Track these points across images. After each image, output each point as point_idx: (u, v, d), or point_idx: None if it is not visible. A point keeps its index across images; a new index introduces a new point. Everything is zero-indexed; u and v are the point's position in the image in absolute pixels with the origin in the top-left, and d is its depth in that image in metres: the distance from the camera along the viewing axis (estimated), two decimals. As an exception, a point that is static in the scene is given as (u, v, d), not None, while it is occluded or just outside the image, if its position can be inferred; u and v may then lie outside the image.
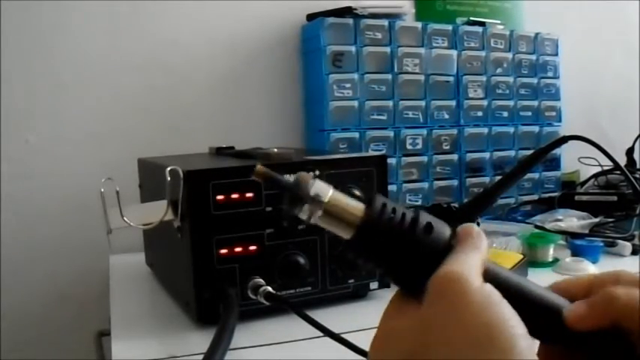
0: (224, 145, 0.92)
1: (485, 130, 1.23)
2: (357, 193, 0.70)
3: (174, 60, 1.13)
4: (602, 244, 0.90)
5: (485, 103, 1.23)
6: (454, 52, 1.19)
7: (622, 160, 1.24)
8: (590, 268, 0.83)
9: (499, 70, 1.25)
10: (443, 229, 0.32)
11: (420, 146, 1.17)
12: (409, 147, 1.16)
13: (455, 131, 1.20)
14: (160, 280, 0.86)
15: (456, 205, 0.98)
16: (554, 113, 1.31)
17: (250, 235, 0.66)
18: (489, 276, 0.30)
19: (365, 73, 1.12)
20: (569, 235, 0.94)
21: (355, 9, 1.11)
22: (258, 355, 0.60)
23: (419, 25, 1.17)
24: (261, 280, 0.65)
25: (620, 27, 1.54)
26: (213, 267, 0.64)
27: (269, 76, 1.20)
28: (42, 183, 1.06)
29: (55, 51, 1.07)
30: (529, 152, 0.95)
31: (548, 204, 1.18)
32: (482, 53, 1.22)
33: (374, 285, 0.73)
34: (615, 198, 1.09)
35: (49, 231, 1.07)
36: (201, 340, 0.59)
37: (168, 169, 0.64)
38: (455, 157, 1.20)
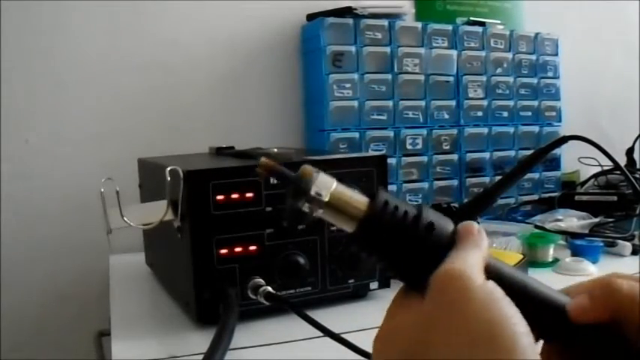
0: (224, 145, 0.92)
1: (485, 130, 1.23)
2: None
3: (174, 60, 1.13)
4: (602, 244, 0.90)
5: (485, 103, 1.23)
6: (454, 52, 1.19)
7: (622, 160, 1.24)
8: (590, 268, 0.83)
9: (499, 70, 1.25)
10: (446, 225, 0.32)
11: (420, 146, 1.17)
12: (409, 147, 1.16)
13: (455, 131, 1.20)
14: (160, 280, 0.86)
15: (456, 205, 0.98)
16: (554, 113, 1.31)
17: (250, 235, 0.66)
18: (492, 272, 0.30)
19: (365, 73, 1.12)
20: (569, 235, 0.94)
21: (355, 9, 1.11)
22: (258, 355, 0.60)
23: (419, 25, 1.17)
24: (261, 280, 0.65)
25: (620, 27, 1.54)
26: (213, 267, 0.64)
27: (269, 76, 1.20)
28: (42, 183, 1.06)
29: (55, 51, 1.07)
30: (529, 152, 0.95)
31: (548, 204, 1.18)
32: (482, 53, 1.22)
33: (374, 285, 0.73)
34: (615, 198, 1.09)
35: (49, 231, 1.07)
36: (201, 340, 0.59)
37: (168, 169, 0.64)
38: (455, 157, 1.20)
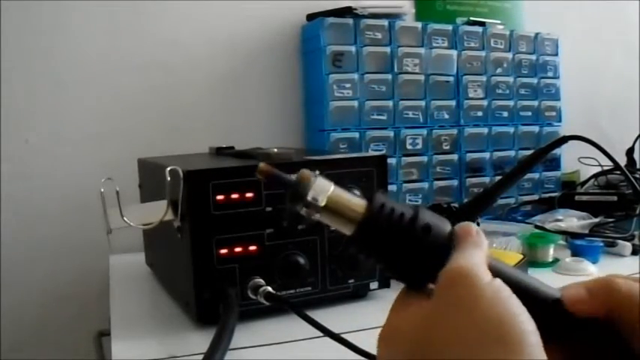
0: (224, 145, 0.92)
1: (485, 130, 1.23)
2: (357, 193, 0.70)
3: (174, 60, 1.14)
4: (602, 244, 0.90)
5: (485, 103, 1.23)
6: (454, 52, 1.19)
7: (622, 160, 1.24)
8: (590, 268, 0.83)
9: (499, 70, 1.25)
10: (443, 226, 0.32)
11: (420, 146, 1.17)
12: (409, 147, 1.16)
13: (455, 131, 1.20)
14: (160, 280, 0.86)
15: (456, 205, 0.98)
16: (554, 113, 1.31)
17: (250, 235, 0.66)
18: (493, 272, 0.30)
19: (365, 73, 1.12)
20: (569, 235, 0.94)
21: (355, 9, 1.11)
22: (258, 355, 0.60)
23: (419, 25, 1.17)
24: (261, 280, 0.65)
25: (620, 27, 1.54)
26: (213, 267, 0.64)
27: (269, 76, 1.20)
28: (42, 183, 1.06)
29: (55, 51, 1.07)
30: (529, 152, 0.95)
31: (548, 204, 1.18)
32: (482, 53, 1.22)
33: (374, 285, 0.73)
34: (615, 198, 1.09)
35: (49, 231, 1.07)
36: (201, 340, 0.59)
37: (168, 169, 0.64)
38: (455, 157, 1.20)
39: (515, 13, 1.38)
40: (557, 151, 1.24)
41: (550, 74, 1.31)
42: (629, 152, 1.32)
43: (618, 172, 1.02)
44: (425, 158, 1.17)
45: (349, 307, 0.72)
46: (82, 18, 1.08)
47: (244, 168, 0.67)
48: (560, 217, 1.04)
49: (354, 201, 0.32)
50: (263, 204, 0.66)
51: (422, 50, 1.16)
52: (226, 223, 0.65)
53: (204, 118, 1.16)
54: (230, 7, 1.16)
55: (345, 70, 1.10)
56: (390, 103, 1.14)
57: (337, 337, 0.56)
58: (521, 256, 0.80)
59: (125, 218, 0.65)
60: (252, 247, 0.66)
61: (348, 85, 1.10)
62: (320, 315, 0.59)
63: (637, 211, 0.99)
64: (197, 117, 1.15)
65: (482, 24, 1.25)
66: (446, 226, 0.32)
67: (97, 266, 1.03)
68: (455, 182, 1.20)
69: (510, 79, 1.26)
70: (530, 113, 1.28)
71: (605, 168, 1.21)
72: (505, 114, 1.25)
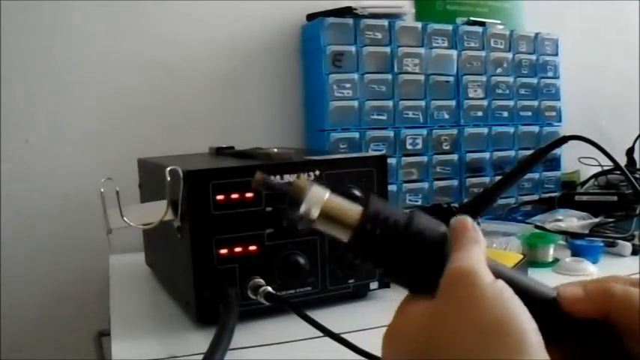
0: (224, 145, 0.92)
1: (485, 130, 1.23)
2: (357, 193, 0.70)
3: (174, 60, 1.13)
4: (602, 244, 0.90)
5: (485, 103, 1.23)
6: (454, 52, 1.19)
7: (622, 160, 1.24)
8: (590, 268, 0.83)
9: (499, 70, 1.25)
10: (438, 230, 0.32)
11: (420, 146, 1.17)
12: (409, 147, 1.16)
13: (455, 131, 1.20)
14: (160, 280, 0.86)
15: (456, 205, 0.98)
16: (554, 113, 1.31)
17: (250, 235, 0.66)
18: (491, 271, 0.30)
19: (365, 73, 1.12)
20: (570, 235, 0.94)
21: (355, 9, 1.11)
22: (258, 355, 0.60)
23: (419, 25, 1.17)
24: (261, 280, 0.65)
25: (620, 27, 1.54)
26: (213, 267, 0.64)
27: (269, 76, 1.20)
28: (42, 183, 1.06)
29: (55, 51, 1.07)
30: (529, 152, 0.95)
31: (548, 204, 1.18)
32: (482, 53, 1.22)
33: (374, 285, 0.73)
34: (615, 198, 1.09)
35: (49, 231, 1.07)
36: (201, 340, 0.59)
37: (168, 169, 0.64)
38: (455, 157, 1.20)
39: (515, 13, 1.38)
40: (557, 151, 1.24)
41: (550, 74, 1.31)
42: (629, 152, 1.32)
43: (618, 172, 1.02)
44: (425, 158, 1.17)
45: (349, 307, 0.72)
46: (82, 18, 1.08)
47: (244, 168, 0.67)
48: (560, 217, 1.03)
49: (349, 208, 0.32)
50: (263, 204, 0.66)
51: (422, 50, 1.16)
52: (226, 223, 0.65)
53: (204, 118, 1.16)
54: (230, 7, 1.16)
55: (345, 70, 1.10)
56: (390, 103, 1.14)
57: (337, 337, 0.56)
58: (521, 256, 0.80)
59: (125, 218, 0.65)
60: (252, 247, 0.66)
61: (348, 85, 1.10)
62: (320, 315, 0.59)
63: (637, 211, 0.99)
64: (197, 117, 1.15)
65: (482, 24, 1.25)
66: (441, 228, 0.32)
67: (97, 266, 1.03)
68: (455, 182, 1.20)
69: (510, 79, 1.26)
70: (530, 113, 1.28)
71: (605, 168, 1.21)
72: (505, 114, 1.25)
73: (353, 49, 1.11)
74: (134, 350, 0.62)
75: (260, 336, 0.63)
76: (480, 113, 1.22)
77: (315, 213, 0.32)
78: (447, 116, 1.19)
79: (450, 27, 1.19)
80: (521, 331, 0.26)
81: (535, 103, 1.29)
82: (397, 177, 1.15)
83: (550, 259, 0.88)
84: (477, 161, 1.22)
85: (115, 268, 0.95)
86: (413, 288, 0.32)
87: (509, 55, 1.26)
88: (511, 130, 1.26)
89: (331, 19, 1.10)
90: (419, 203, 1.16)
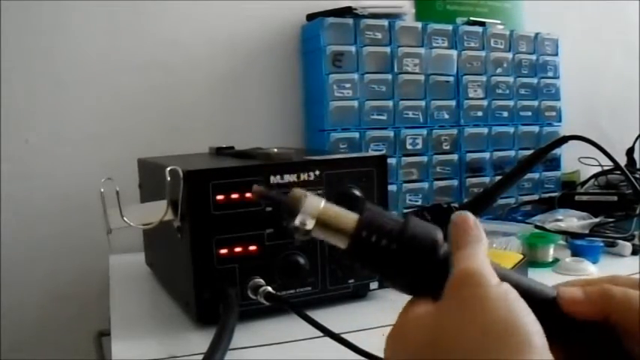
0: (224, 145, 0.92)
1: (485, 130, 1.23)
2: (357, 193, 0.70)
3: (174, 60, 1.14)
4: (602, 244, 0.90)
5: (485, 103, 1.23)
6: (454, 52, 1.19)
7: (622, 160, 1.24)
8: (590, 268, 0.83)
9: (499, 70, 1.25)
10: (432, 235, 0.32)
11: (420, 146, 1.17)
12: (409, 147, 1.16)
13: (455, 131, 1.20)
14: (160, 280, 0.86)
15: (456, 205, 0.98)
16: (554, 113, 1.31)
17: (250, 235, 0.66)
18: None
19: (365, 73, 1.12)
20: (570, 235, 0.94)
21: (355, 9, 1.11)
22: (258, 355, 0.60)
23: (419, 25, 1.17)
24: (261, 280, 0.65)
25: (620, 27, 1.54)
26: (213, 267, 0.64)
27: (269, 76, 1.20)
28: (42, 183, 1.06)
29: (55, 51, 1.07)
30: (529, 152, 0.95)
31: (548, 204, 1.18)
32: (482, 53, 1.22)
33: (374, 285, 0.73)
34: (615, 198, 1.09)
35: (49, 231, 1.07)
36: (201, 340, 0.59)
37: (168, 169, 0.64)
38: (455, 157, 1.20)
39: (515, 13, 1.38)
40: (557, 151, 1.24)
41: (550, 74, 1.31)
42: (629, 152, 1.32)
43: (618, 172, 1.02)
44: (425, 158, 1.17)
45: (349, 307, 0.72)
46: (82, 18, 1.08)
47: (244, 168, 0.67)
48: (560, 217, 1.03)
49: (345, 216, 0.33)
50: (263, 204, 0.66)
51: (422, 50, 1.16)
52: (226, 223, 0.65)
53: (204, 118, 1.16)
54: (230, 7, 1.16)
55: (345, 70, 1.10)
56: (390, 103, 1.14)
57: (337, 337, 0.56)
58: (521, 256, 0.80)
59: (125, 218, 0.65)
60: (252, 247, 0.66)
61: (348, 85, 1.10)
62: (320, 315, 0.59)
63: (637, 211, 0.99)
64: (197, 117, 1.15)
65: (482, 24, 1.25)
66: (436, 234, 0.32)
67: (97, 266, 1.03)
68: (455, 182, 1.20)
69: (510, 79, 1.26)
70: (530, 113, 1.28)
71: (605, 168, 1.21)
72: (505, 114, 1.25)
73: (353, 49, 1.11)
74: (134, 350, 0.61)
75: (260, 336, 0.63)
76: (480, 113, 1.22)
77: (310, 224, 0.33)
78: (447, 116, 1.19)
79: (450, 27, 1.19)
80: (525, 333, 0.26)
81: (535, 103, 1.29)
82: (397, 177, 1.15)
83: (550, 259, 0.88)
84: (476, 161, 1.22)
85: (115, 268, 0.95)
86: (410, 292, 0.32)
87: (509, 55, 1.26)
88: (511, 130, 1.26)
89: (331, 19, 1.10)
90: (419, 203, 1.16)
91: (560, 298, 0.31)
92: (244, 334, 0.62)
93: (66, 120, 1.08)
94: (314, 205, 0.33)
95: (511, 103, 1.26)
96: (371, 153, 1.08)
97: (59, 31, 1.07)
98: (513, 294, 0.28)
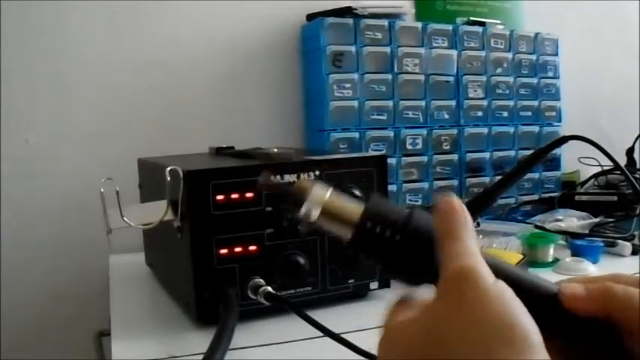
0: (224, 145, 0.92)
1: (485, 130, 1.23)
2: (357, 193, 0.70)
3: (174, 60, 1.14)
4: (602, 244, 0.90)
5: (485, 103, 1.23)
6: (454, 52, 1.19)
7: (622, 160, 1.24)
8: (590, 268, 0.83)
9: (499, 70, 1.25)
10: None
11: (420, 146, 1.17)
12: (409, 147, 1.16)
13: (455, 131, 1.20)
14: (160, 280, 0.86)
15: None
16: (554, 113, 1.31)
17: (250, 235, 0.66)
18: (491, 267, 0.31)
19: (365, 73, 1.12)
20: (570, 235, 0.94)
21: (355, 9, 1.11)
22: (258, 355, 0.60)
23: (419, 25, 1.17)
24: (261, 280, 0.65)
25: (620, 27, 1.54)
26: (213, 267, 0.64)
27: (269, 76, 1.20)
28: (42, 183, 1.06)
29: (55, 51, 1.07)
30: (529, 152, 0.95)
31: (548, 204, 1.18)
32: (482, 53, 1.22)
33: (374, 285, 0.73)
34: (615, 198, 1.09)
35: (49, 231, 1.07)
36: (201, 340, 0.59)
37: (168, 169, 0.64)
38: (455, 157, 1.20)
39: (515, 13, 1.38)
40: (557, 151, 1.24)
41: (550, 74, 1.31)
42: (629, 152, 1.32)
43: (618, 172, 1.02)
44: (425, 158, 1.17)
45: (349, 307, 0.72)
46: (82, 18, 1.08)
47: (244, 168, 0.67)
48: (560, 217, 1.04)
49: (350, 207, 0.33)
50: (263, 204, 0.66)
51: (422, 50, 1.16)
52: (226, 223, 0.65)
53: (204, 118, 1.16)
54: (230, 7, 1.16)
55: (345, 70, 1.10)
56: (390, 103, 1.14)
57: (337, 337, 0.56)
58: (521, 256, 0.80)
59: (125, 218, 0.65)
60: (252, 247, 0.66)
61: (348, 85, 1.10)
62: (320, 315, 0.59)
63: (637, 211, 0.99)
64: (197, 117, 1.15)
65: (482, 24, 1.25)
66: None
67: (97, 266, 1.03)
68: (455, 182, 1.20)
69: (510, 79, 1.26)
70: (530, 113, 1.28)
71: (605, 168, 1.21)
72: (505, 114, 1.25)
73: (353, 49, 1.11)
74: (134, 350, 0.62)
75: (260, 336, 0.63)
76: (480, 113, 1.22)
77: (315, 214, 0.33)
78: (447, 116, 1.19)
79: (450, 27, 1.19)
80: (524, 332, 0.26)
81: (535, 103, 1.29)
82: (397, 177, 1.15)
83: (550, 259, 0.88)
84: (476, 161, 1.22)
85: (115, 268, 0.95)
86: (413, 284, 0.32)
87: (509, 55, 1.26)
88: (511, 130, 1.26)
89: (331, 19, 1.10)
90: (419, 203, 1.16)
91: (562, 294, 0.31)
92: (244, 334, 0.62)
93: (66, 120, 1.08)
94: (320, 194, 0.33)
95: (511, 103, 1.26)
96: (371, 153, 1.08)
97: (59, 31, 1.07)
98: (509, 292, 0.28)
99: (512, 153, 1.25)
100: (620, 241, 0.91)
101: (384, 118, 1.13)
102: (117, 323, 0.71)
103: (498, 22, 1.29)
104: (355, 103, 1.11)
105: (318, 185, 0.33)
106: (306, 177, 0.68)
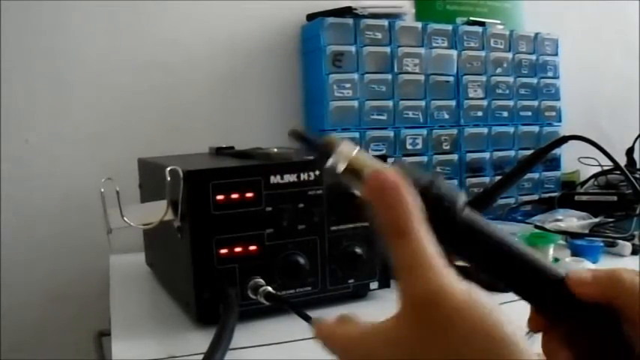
0: (224, 145, 0.92)
1: (485, 130, 1.23)
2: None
3: (174, 60, 1.13)
4: (602, 244, 0.90)
5: (485, 103, 1.23)
6: (454, 52, 1.19)
7: (622, 160, 1.24)
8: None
9: (499, 70, 1.25)
10: (455, 197, 0.32)
11: (420, 146, 1.17)
12: (409, 147, 1.16)
13: (455, 131, 1.20)
14: (160, 280, 0.86)
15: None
16: (554, 113, 1.31)
17: (250, 235, 0.66)
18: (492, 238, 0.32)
19: (365, 73, 1.12)
20: (569, 235, 0.94)
21: (355, 9, 1.11)
22: (258, 355, 0.60)
23: (419, 25, 1.17)
24: (261, 280, 0.65)
25: (620, 27, 1.54)
26: (213, 267, 0.64)
27: (269, 76, 1.20)
28: (42, 183, 1.06)
29: (55, 51, 1.07)
30: (529, 152, 0.95)
31: (548, 204, 1.18)
32: (482, 53, 1.22)
33: (374, 285, 0.73)
34: (615, 198, 1.09)
35: (49, 231, 1.07)
36: (201, 340, 0.59)
37: (168, 169, 0.64)
38: (455, 157, 1.20)
39: (515, 13, 1.38)
40: (557, 151, 1.24)
41: (550, 74, 1.30)
42: (629, 152, 1.33)
43: (618, 172, 1.02)
44: (425, 158, 1.17)
45: (349, 307, 0.72)
46: (82, 18, 1.08)
47: (244, 168, 0.67)
48: (560, 217, 1.04)
49: (375, 166, 0.33)
50: (263, 204, 0.66)
51: (422, 50, 1.16)
52: (226, 223, 0.65)
53: (204, 118, 1.16)
54: (230, 7, 1.16)
55: (345, 70, 1.10)
56: (390, 103, 1.14)
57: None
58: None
59: (125, 218, 0.65)
60: (252, 247, 0.66)
61: (348, 85, 1.10)
62: (320, 315, 0.59)
63: (637, 211, 0.99)
64: (197, 117, 1.15)
65: (482, 24, 1.25)
66: (459, 197, 0.32)
67: (97, 266, 1.03)
68: (455, 182, 1.20)
69: (510, 79, 1.26)
70: (530, 113, 1.28)
71: (605, 168, 1.21)
72: (505, 114, 1.25)
73: (353, 49, 1.11)
74: (134, 350, 0.62)
75: (260, 336, 0.63)
76: (480, 113, 1.22)
77: (341, 167, 0.33)
78: (447, 116, 1.19)
79: (450, 27, 1.19)
80: (506, 336, 0.26)
81: (535, 103, 1.29)
82: (397, 177, 1.14)
83: (550, 259, 0.88)
84: (476, 161, 1.22)
85: (115, 268, 0.95)
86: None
87: (509, 55, 1.26)
88: (511, 130, 1.26)
89: (331, 19, 1.10)
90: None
91: (569, 279, 0.32)
92: (244, 334, 0.62)
93: (66, 120, 1.08)
94: (347, 150, 0.33)
95: (511, 103, 1.26)
96: (371, 153, 1.08)
97: (59, 31, 1.07)
98: (478, 296, 0.27)
99: (512, 153, 1.25)
100: (620, 241, 0.91)
101: (384, 118, 1.13)
102: (117, 323, 0.71)
103: (498, 22, 1.29)
104: (355, 103, 1.11)
105: (347, 142, 0.34)
106: (300, 188, 0.68)
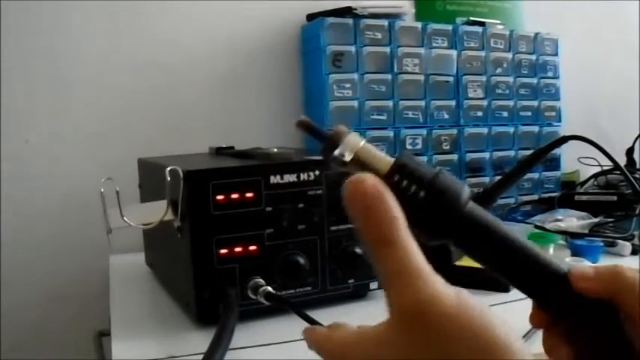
0: (224, 145, 0.92)
1: (485, 130, 1.23)
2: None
3: (174, 60, 1.14)
4: (602, 244, 0.90)
5: (485, 103, 1.23)
6: (454, 52, 1.19)
7: (622, 160, 1.24)
8: (590, 268, 0.83)
9: (499, 70, 1.25)
10: (459, 191, 0.32)
11: (420, 146, 1.17)
12: (409, 147, 1.16)
13: (455, 131, 1.20)
14: (160, 280, 0.86)
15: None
16: (554, 113, 1.31)
17: (250, 235, 0.66)
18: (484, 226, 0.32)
19: (365, 73, 1.12)
20: (569, 235, 0.94)
21: (355, 9, 1.12)
22: (258, 355, 0.60)
23: (419, 25, 1.17)
24: (261, 280, 0.65)
25: (620, 27, 1.54)
26: (213, 267, 0.64)
27: (269, 76, 1.20)
28: (42, 183, 1.06)
29: (55, 51, 1.07)
30: (529, 152, 0.95)
31: (548, 204, 1.18)
32: (482, 53, 1.22)
33: (374, 285, 0.73)
34: (615, 198, 1.09)
35: (49, 231, 1.07)
36: (201, 340, 0.59)
37: (168, 169, 0.64)
38: (455, 157, 1.20)
39: (515, 13, 1.38)
40: (557, 151, 1.24)
41: (550, 74, 1.31)
42: (629, 152, 1.32)
43: (618, 172, 1.02)
44: (425, 158, 1.17)
45: (349, 307, 0.72)
46: (82, 18, 1.08)
47: (244, 168, 0.67)
48: (560, 217, 1.03)
49: (380, 158, 0.34)
50: (263, 204, 0.66)
51: (422, 50, 1.16)
52: (226, 223, 0.65)
53: (204, 118, 1.16)
54: (230, 7, 1.16)
55: (345, 70, 1.10)
56: (390, 103, 1.14)
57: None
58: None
59: (125, 218, 0.65)
60: (252, 247, 0.66)
61: (348, 85, 1.10)
62: (320, 315, 0.59)
63: (637, 211, 0.99)
64: (197, 117, 1.15)
65: (482, 24, 1.25)
66: (464, 191, 0.33)
67: (97, 266, 1.03)
68: (455, 182, 1.20)
69: (510, 79, 1.26)
70: (530, 113, 1.28)
71: (605, 168, 1.21)
72: (505, 114, 1.25)
73: (353, 49, 1.11)
74: (134, 350, 0.62)
75: (260, 336, 0.63)
76: (479, 113, 1.22)
77: (348, 157, 0.33)
78: (446, 116, 1.19)
79: (449, 27, 1.19)
80: (498, 338, 0.26)
81: (535, 103, 1.29)
82: (397, 177, 1.14)
83: (550, 259, 0.88)
84: (476, 161, 1.22)
85: (115, 268, 0.95)
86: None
87: (509, 55, 1.26)
88: (511, 130, 1.26)
89: (331, 19, 1.10)
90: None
91: (571, 274, 0.32)
92: (244, 334, 0.62)
93: (66, 120, 1.08)
94: (354, 141, 0.34)
95: (511, 103, 1.26)
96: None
97: (59, 31, 1.07)
98: (467, 300, 0.27)
99: (512, 153, 1.25)
100: (619, 241, 0.91)
101: (384, 118, 1.13)
102: (117, 323, 0.71)
103: (498, 22, 1.29)
104: (355, 103, 1.11)
105: (354, 134, 0.34)
106: (300, 188, 0.68)
